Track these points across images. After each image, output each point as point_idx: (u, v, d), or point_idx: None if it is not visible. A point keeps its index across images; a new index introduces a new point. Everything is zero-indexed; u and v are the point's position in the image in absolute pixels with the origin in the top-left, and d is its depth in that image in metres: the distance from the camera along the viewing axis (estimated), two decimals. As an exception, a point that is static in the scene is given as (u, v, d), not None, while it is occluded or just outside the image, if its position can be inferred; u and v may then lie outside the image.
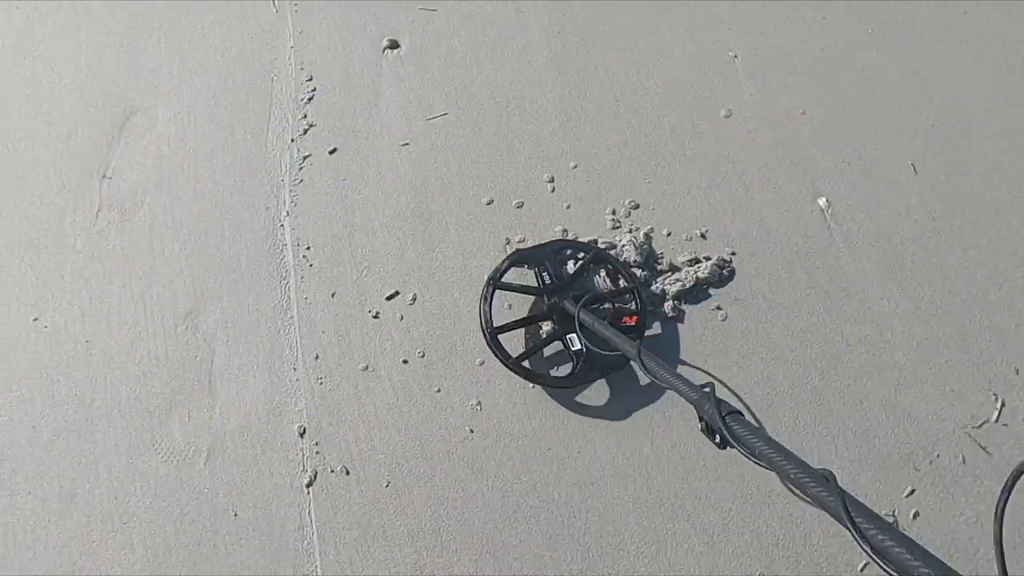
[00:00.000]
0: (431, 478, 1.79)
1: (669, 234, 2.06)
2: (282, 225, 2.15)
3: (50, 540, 1.78)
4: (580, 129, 2.25)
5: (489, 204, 2.14)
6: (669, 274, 2.00)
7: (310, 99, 2.36)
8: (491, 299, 1.87)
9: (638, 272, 1.97)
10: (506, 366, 1.82)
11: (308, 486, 1.80)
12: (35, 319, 2.05)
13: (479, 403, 1.87)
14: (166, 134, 2.34)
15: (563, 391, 1.87)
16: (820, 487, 0.97)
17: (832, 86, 2.29)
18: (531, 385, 1.87)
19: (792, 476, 1.03)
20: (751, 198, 2.10)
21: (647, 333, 1.92)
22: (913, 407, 1.82)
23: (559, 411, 1.84)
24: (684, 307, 1.97)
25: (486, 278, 1.90)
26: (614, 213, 2.10)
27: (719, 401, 1.25)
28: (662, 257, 2.03)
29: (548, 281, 1.91)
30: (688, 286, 1.96)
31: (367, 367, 1.93)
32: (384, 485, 1.78)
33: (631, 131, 2.23)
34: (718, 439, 1.22)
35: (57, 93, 2.45)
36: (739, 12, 2.45)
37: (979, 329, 1.90)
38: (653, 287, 1.97)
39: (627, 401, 1.85)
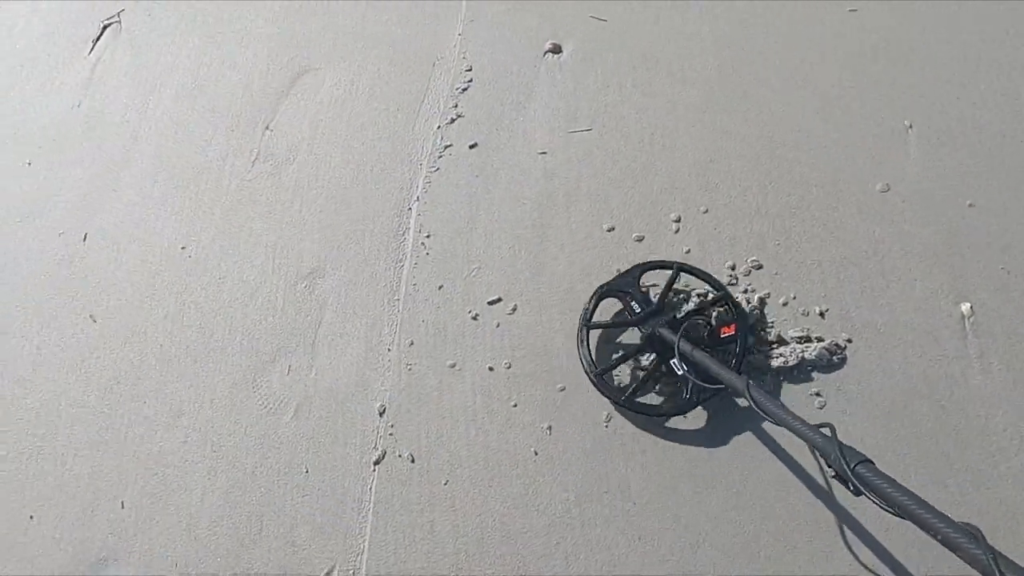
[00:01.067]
0: (488, 488, 1.85)
1: (785, 304, 1.97)
2: (410, 209, 2.24)
3: (154, 447, 2.01)
4: (721, 172, 2.17)
5: (610, 231, 2.13)
6: (775, 346, 1.91)
7: (464, 89, 2.43)
8: (587, 341, 1.91)
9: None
10: (619, 404, 1.84)
11: (375, 463, 1.91)
12: (183, 247, 2.28)
13: (550, 428, 1.89)
14: (328, 98, 2.49)
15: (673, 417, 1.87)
16: (968, 543, 0.95)
17: (1012, 179, 2.06)
18: (604, 424, 1.88)
19: (937, 530, 1.00)
20: (885, 286, 1.96)
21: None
22: (1007, 551, 1.66)
23: (625, 455, 1.84)
24: (781, 382, 1.88)
25: (578, 321, 1.94)
26: (733, 269, 2.03)
27: (844, 447, 1.20)
28: (771, 327, 1.94)
29: (638, 310, 1.90)
30: (790, 364, 1.87)
31: (455, 365, 2.00)
32: (443, 482, 1.86)
33: (774, 185, 2.13)
34: (851, 487, 1.19)
35: (246, 40, 2.66)
36: (926, 77, 2.24)
37: (1112, 492, 1.70)
38: (754, 357, 1.90)
39: (700, 465, 1.81)
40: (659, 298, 1.91)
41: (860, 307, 1.95)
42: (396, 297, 2.12)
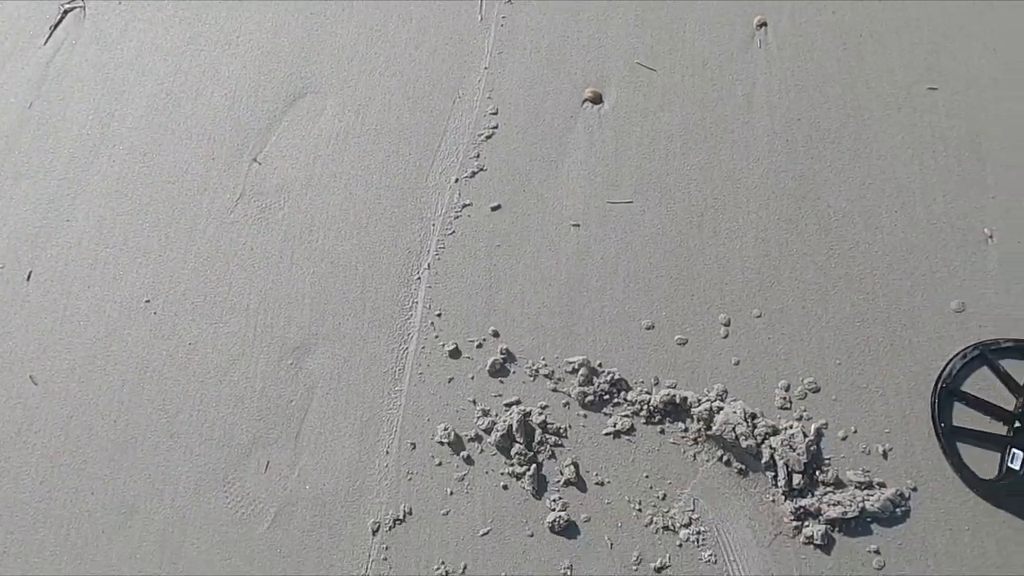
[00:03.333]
0: (495, 636, 1.59)
1: (845, 438, 1.73)
2: (419, 278, 1.93)
3: (99, 551, 1.70)
4: (778, 270, 1.91)
5: (648, 329, 1.85)
6: (832, 490, 1.68)
7: (488, 137, 2.10)
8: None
9: (796, 478, 1.67)
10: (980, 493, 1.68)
11: (364, 595, 1.64)
12: (147, 301, 1.94)
13: (570, 567, 1.64)
14: (329, 129, 2.14)
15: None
16: None
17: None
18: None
19: None
20: (959, 426, 1.74)
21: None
22: None
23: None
24: (836, 535, 1.65)
25: (934, 385, 1.78)
26: (787, 390, 1.78)
27: None
28: (828, 465, 1.71)
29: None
30: (849, 515, 1.64)
31: (464, 478, 1.72)
32: (444, 626, 1.60)
33: (837, 293, 1.88)
34: None
35: (234, 47, 2.27)
36: (1010, 180, 2.00)
37: None
38: (807, 500, 1.66)
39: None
40: None
41: (927, 449, 1.72)
42: (398, 387, 1.82)
